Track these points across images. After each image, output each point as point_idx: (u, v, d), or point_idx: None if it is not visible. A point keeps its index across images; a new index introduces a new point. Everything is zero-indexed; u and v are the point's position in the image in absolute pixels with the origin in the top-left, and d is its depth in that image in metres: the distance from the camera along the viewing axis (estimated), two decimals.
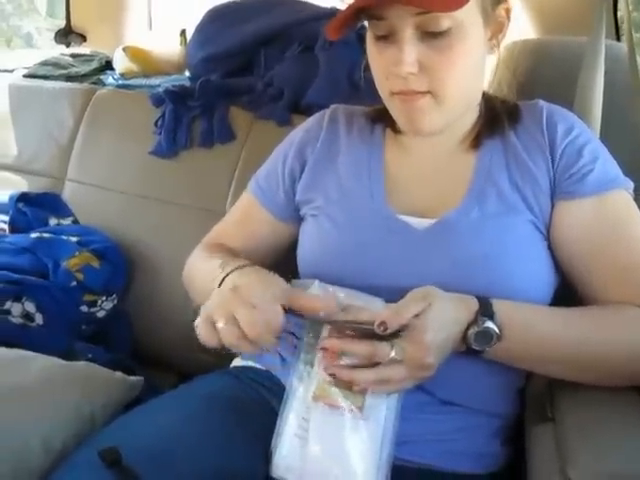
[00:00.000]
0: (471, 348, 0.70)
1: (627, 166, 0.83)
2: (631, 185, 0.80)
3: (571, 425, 0.68)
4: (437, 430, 0.78)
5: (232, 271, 0.76)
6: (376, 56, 0.78)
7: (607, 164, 0.80)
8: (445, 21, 0.71)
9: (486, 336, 0.69)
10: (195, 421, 0.75)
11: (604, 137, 0.93)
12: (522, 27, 1.69)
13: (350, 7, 0.72)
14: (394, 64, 0.74)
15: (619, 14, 1.45)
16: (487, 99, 0.88)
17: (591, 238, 0.78)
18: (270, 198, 0.96)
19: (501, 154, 0.83)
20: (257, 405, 0.82)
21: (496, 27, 0.79)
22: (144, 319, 1.33)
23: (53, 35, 2.18)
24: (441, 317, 0.68)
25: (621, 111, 0.97)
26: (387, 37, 0.75)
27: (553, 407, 0.73)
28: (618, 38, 1.47)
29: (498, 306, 0.71)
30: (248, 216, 0.99)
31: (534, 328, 0.73)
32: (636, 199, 0.81)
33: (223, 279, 0.75)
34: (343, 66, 1.31)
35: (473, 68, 0.78)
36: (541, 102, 0.85)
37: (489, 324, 0.69)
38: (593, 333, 0.73)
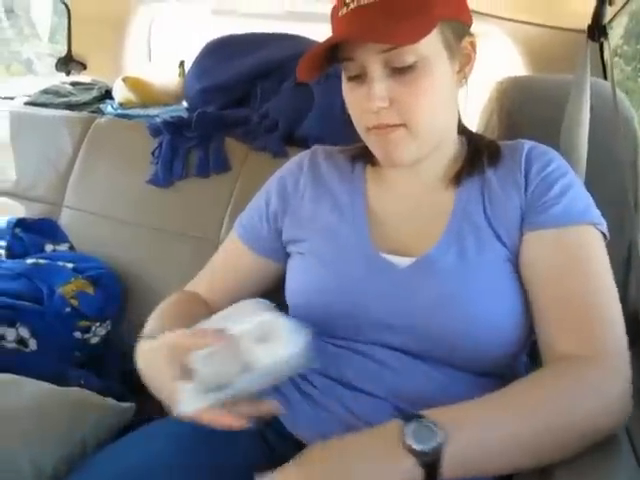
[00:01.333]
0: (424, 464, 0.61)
1: (609, 202, 0.84)
2: (602, 222, 0.80)
3: None
4: None
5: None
6: (350, 95, 0.81)
7: (576, 199, 0.80)
8: (409, 56, 0.74)
9: (424, 429, 0.62)
10: (184, 453, 0.76)
11: (588, 173, 0.95)
12: (513, 65, 1.74)
13: (316, 49, 0.75)
14: (366, 100, 0.77)
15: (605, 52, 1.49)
16: (471, 138, 0.91)
17: (546, 269, 0.78)
18: (254, 237, 0.98)
19: (478, 192, 0.85)
20: (247, 436, 0.81)
21: (463, 60, 0.82)
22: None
23: (53, 61, 2.23)
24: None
25: (606, 147, 0.99)
26: (359, 77, 0.78)
27: None
28: (605, 76, 1.51)
29: (425, 413, 0.65)
30: (234, 257, 1.01)
31: (474, 422, 0.66)
32: (613, 236, 0.81)
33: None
34: (337, 99, 1.32)
35: (442, 99, 0.80)
36: (522, 141, 0.88)
37: (421, 420, 0.63)
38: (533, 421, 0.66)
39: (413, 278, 0.81)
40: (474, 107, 1.24)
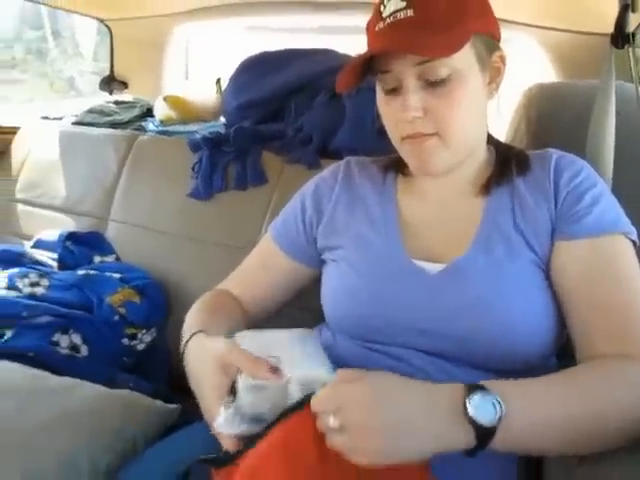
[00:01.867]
0: (478, 439, 0.62)
1: (636, 206, 0.84)
2: (632, 231, 0.81)
3: None
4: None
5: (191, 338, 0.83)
6: (385, 107, 0.85)
7: (607, 209, 0.82)
8: (443, 69, 0.77)
9: (487, 402, 0.63)
10: None
11: (615, 177, 0.96)
12: (543, 71, 1.75)
13: (355, 61, 0.79)
14: (401, 111, 0.80)
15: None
16: (499, 148, 0.94)
17: (579, 278, 0.80)
18: (288, 241, 1.02)
19: (507, 200, 0.87)
20: None
21: (493, 72, 0.85)
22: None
23: (95, 78, 2.33)
24: (389, 397, 0.64)
25: (634, 152, 1.00)
26: (394, 90, 0.82)
27: None
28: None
29: (487, 384, 0.66)
30: (267, 259, 1.04)
31: (531, 401, 0.67)
32: None
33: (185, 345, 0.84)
34: (368, 112, 1.38)
35: (474, 110, 0.83)
36: (551, 151, 0.89)
37: (485, 392, 0.64)
38: (582, 405, 0.68)
39: (444, 283, 0.83)
40: (505, 113, 1.27)
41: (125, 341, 1.30)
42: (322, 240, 0.98)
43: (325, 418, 0.62)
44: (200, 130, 1.60)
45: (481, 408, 0.62)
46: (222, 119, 1.70)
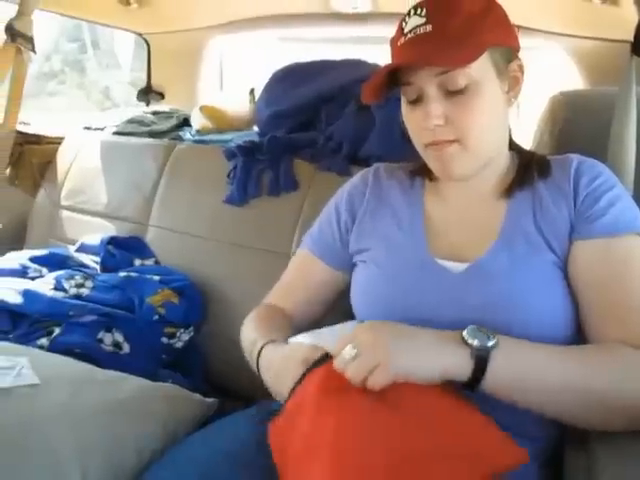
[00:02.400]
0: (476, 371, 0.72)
1: None
2: None
3: (603, 456, 0.71)
4: None
5: (263, 347, 0.92)
6: (409, 116, 0.89)
7: (624, 211, 0.85)
8: (461, 79, 0.82)
9: (480, 333, 0.74)
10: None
11: (637, 184, 0.99)
12: (571, 79, 1.77)
13: (379, 74, 0.84)
14: (424, 119, 0.85)
15: None
16: (522, 154, 0.97)
17: (594, 276, 0.83)
18: (327, 250, 1.07)
19: (529, 203, 0.91)
20: None
21: (511, 81, 0.88)
22: (217, 350, 1.45)
23: (129, 88, 2.42)
24: (395, 325, 0.78)
25: None
26: (417, 100, 0.86)
27: (589, 436, 0.76)
28: None
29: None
30: (305, 269, 1.10)
31: (526, 349, 0.77)
32: None
33: (259, 353, 0.92)
34: (396, 121, 1.41)
35: (492, 117, 0.87)
36: (572, 156, 0.93)
37: (479, 327, 0.75)
38: (588, 375, 0.74)
39: (466, 282, 0.87)
40: (532, 121, 1.30)
41: (164, 339, 1.36)
42: (353, 244, 1.03)
43: (343, 352, 0.73)
44: (235, 139, 1.65)
45: (474, 334, 0.74)
46: (255, 128, 1.76)
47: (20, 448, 0.81)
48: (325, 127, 1.56)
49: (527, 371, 0.75)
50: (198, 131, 1.75)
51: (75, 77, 4.75)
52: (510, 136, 0.97)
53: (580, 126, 1.13)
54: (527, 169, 0.94)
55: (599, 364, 0.76)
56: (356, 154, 1.47)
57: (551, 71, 1.84)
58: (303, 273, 1.10)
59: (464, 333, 0.74)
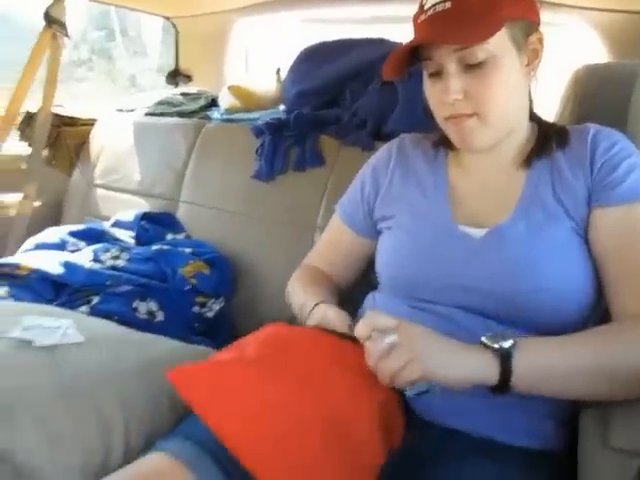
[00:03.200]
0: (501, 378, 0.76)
1: None
2: None
3: (620, 409, 0.74)
4: (497, 404, 0.86)
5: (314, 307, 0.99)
6: (430, 90, 0.93)
7: None
8: (480, 54, 0.84)
9: (498, 336, 0.77)
10: None
11: None
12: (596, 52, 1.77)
13: (399, 51, 0.87)
14: (443, 93, 0.88)
15: None
16: (541, 125, 0.99)
17: (614, 243, 0.85)
18: (353, 218, 1.13)
19: (547, 172, 0.93)
20: None
21: (531, 55, 0.90)
22: (246, 319, 1.51)
23: (155, 75, 2.47)
24: (432, 335, 0.79)
25: None
26: (437, 74, 0.89)
27: None
28: None
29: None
30: (336, 236, 1.17)
31: (544, 342, 0.80)
32: None
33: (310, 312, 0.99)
34: (419, 96, 1.44)
35: (511, 91, 0.89)
36: (589, 125, 0.95)
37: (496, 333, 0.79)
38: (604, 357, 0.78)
39: (486, 246, 0.91)
40: (557, 95, 1.31)
41: (196, 309, 1.42)
42: (378, 211, 1.07)
43: (382, 339, 0.76)
44: (262, 117, 1.70)
45: (492, 339, 0.77)
46: (282, 107, 1.80)
47: (67, 400, 0.88)
48: (350, 104, 1.59)
49: (548, 364, 0.78)
50: (226, 110, 1.80)
51: (103, 64, 4.83)
52: (531, 107, 0.99)
53: (603, 98, 1.15)
54: (546, 140, 0.96)
55: (620, 342, 0.79)
56: (380, 130, 1.50)
57: (575, 46, 1.84)
58: (335, 239, 1.18)
59: (483, 339, 0.78)
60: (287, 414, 0.72)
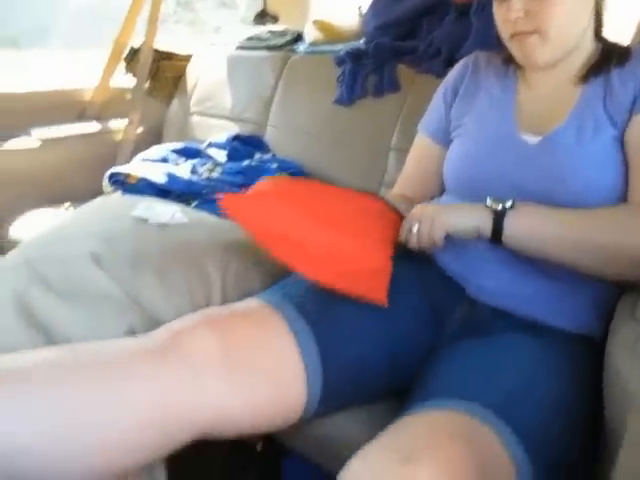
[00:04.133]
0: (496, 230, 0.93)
1: None
2: None
3: None
4: (546, 290, 0.98)
5: None
6: (497, 11, 1.01)
7: None
8: None
9: (502, 200, 0.94)
10: None
11: None
12: None
13: None
14: (506, 12, 0.97)
15: None
16: (605, 45, 1.04)
17: None
18: (436, 130, 1.21)
19: (601, 88, 0.98)
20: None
21: None
22: None
23: (239, 26, 2.63)
24: (442, 205, 0.99)
25: None
26: None
27: None
28: None
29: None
30: (420, 152, 1.26)
31: (542, 210, 0.94)
32: None
33: None
34: (491, 26, 1.53)
35: (572, 10, 0.95)
36: None
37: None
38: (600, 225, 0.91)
39: (539, 151, 1.00)
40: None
41: None
42: (454, 121, 1.17)
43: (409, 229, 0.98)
44: (344, 48, 1.82)
45: (496, 202, 0.95)
46: (362, 40, 1.89)
47: (177, 261, 1.08)
48: (426, 35, 1.69)
49: (541, 225, 0.92)
50: (311, 43, 1.94)
51: (188, 17, 5.01)
52: (598, 28, 1.03)
53: None
54: (606, 58, 1.00)
55: (609, 221, 0.91)
56: (453, 58, 1.58)
57: None
58: (419, 156, 1.26)
59: (488, 200, 0.95)
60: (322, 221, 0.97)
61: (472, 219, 0.96)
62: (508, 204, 0.93)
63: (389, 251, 1.01)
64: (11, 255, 1.08)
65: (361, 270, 0.95)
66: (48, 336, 0.91)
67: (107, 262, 1.03)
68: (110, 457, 0.75)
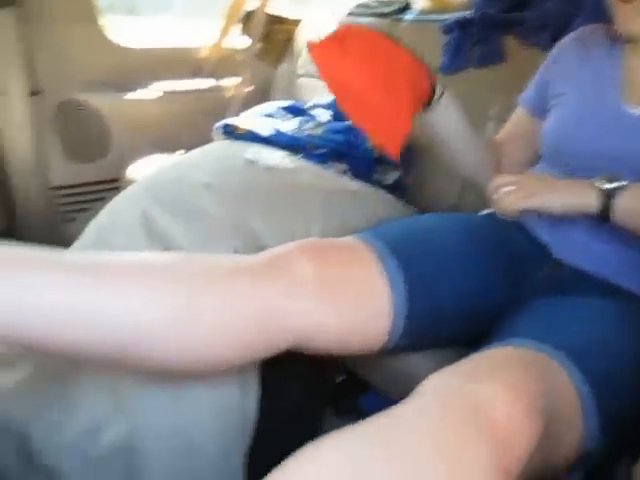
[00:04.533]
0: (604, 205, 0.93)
1: None
2: None
3: None
4: (629, 257, 1.03)
5: None
6: None
7: None
8: None
9: (612, 177, 0.94)
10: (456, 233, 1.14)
11: None
12: None
13: None
14: None
15: None
16: None
17: None
18: (534, 104, 1.25)
19: None
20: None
21: None
22: (416, 191, 1.76)
23: None
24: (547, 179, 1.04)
25: None
26: None
27: None
28: None
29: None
30: (518, 120, 1.30)
31: None
32: None
33: None
34: (603, 6, 1.53)
35: None
36: None
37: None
38: None
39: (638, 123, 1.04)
40: None
41: (376, 176, 1.67)
42: (552, 90, 1.21)
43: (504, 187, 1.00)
44: (452, 17, 1.85)
45: (606, 181, 0.95)
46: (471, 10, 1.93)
47: (282, 200, 1.18)
48: (536, 8, 1.69)
49: None
50: (420, 11, 1.99)
51: None
52: None
53: None
54: None
55: None
56: (560, 34, 1.56)
57: None
58: (515, 124, 1.31)
59: (596, 179, 0.96)
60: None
61: (576, 198, 0.96)
62: (623, 184, 0.94)
63: (411, 112, 1.07)
64: (135, 185, 1.23)
65: (384, 123, 1.02)
66: (165, 247, 1.05)
67: (217, 192, 1.15)
68: (216, 347, 0.87)
